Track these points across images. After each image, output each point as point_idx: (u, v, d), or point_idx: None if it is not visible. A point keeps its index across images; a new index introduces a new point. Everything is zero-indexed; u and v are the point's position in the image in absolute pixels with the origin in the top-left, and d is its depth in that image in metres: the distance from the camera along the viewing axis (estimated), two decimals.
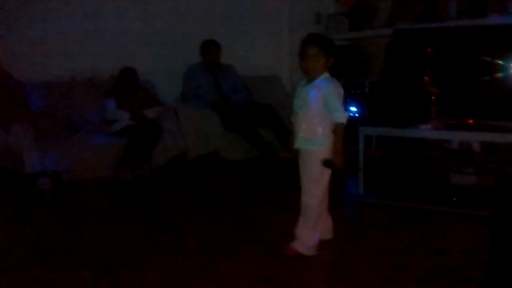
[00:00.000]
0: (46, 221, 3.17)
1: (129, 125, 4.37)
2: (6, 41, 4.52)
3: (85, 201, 3.66)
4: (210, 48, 5.01)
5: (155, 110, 4.55)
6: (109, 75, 4.67)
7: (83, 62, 4.81)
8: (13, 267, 2.43)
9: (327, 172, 2.47)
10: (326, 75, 2.45)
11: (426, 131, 3.31)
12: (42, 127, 4.11)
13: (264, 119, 4.84)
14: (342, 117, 2.40)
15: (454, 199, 3.16)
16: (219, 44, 5.03)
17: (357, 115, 4.82)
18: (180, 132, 4.57)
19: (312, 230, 2.49)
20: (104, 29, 4.90)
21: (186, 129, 4.60)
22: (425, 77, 3.54)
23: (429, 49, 3.60)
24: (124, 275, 2.34)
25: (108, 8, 4.94)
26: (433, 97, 3.50)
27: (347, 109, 2.47)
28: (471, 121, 3.25)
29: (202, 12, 5.32)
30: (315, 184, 2.47)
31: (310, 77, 2.45)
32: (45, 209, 3.47)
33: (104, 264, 2.46)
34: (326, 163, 2.41)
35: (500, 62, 3.40)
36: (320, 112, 2.42)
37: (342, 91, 2.45)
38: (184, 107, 4.78)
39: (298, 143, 2.48)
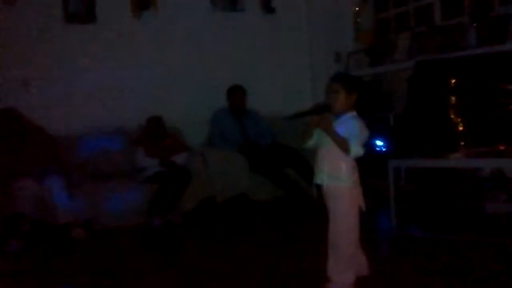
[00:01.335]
0: (81, 271, 3.19)
1: (158, 172, 4.43)
2: (36, 96, 4.71)
3: (118, 249, 3.68)
4: (236, 92, 5.10)
5: (183, 156, 4.61)
6: (137, 124, 4.78)
7: (111, 112, 4.95)
8: None
9: (355, 207, 2.44)
10: (352, 112, 2.46)
11: (457, 160, 3.26)
12: (74, 178, 4.20)
13: (290, 163, 4.84)
14: (355, 151, 2.35)
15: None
16: (245, 89, 5.12)
17: (384, 149, 4.78)
18: (208, 176, 4.61)
19: (345, 269, 2.44)
20: (129, 79, 5.06)
21: (213, 173, 4.63)
22: (450, 107, 3.52)
23: (452, 79, 3.59)
24: None
25: (133, 59, 5.11)
26: (459, 126, 3.47)
27: (365, 147, 2.42)
28: (501, 147, 3.20)
29: (226, 56, 5.45)
30: (342, 221, 2.43)
31: (334, 112, 2.46)
32: (80, 259, 3.50)
33: None
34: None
35: None
36: None
37: (366, 132, 2.41)
38: (210, 151, 4.83)
39: (322, 180, 2.46)
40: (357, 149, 2.37)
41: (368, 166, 2.83)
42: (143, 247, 3.74)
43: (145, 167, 4.50)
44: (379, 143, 4.94)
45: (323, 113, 2.45)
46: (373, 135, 4.76)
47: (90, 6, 4.99)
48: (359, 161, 2.44)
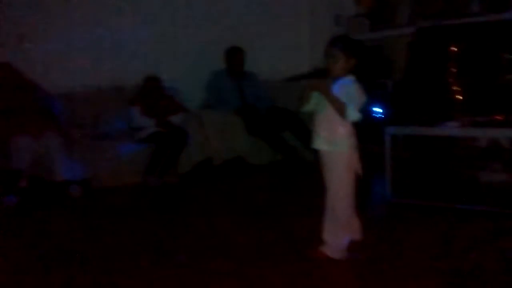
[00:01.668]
0: (76, 229, 3.23)
1: (155, 132, 4.43)
2: (33, 53, 4.64)
3: (113, 207, 3.72)
4: (235, 54, 5.05)
5: (180, 116, 4.60)
6: (134, 83, 4.74)
7: (109, 71, 4.90)
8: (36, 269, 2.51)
9: (351, 172, 2.46)
10: (350, 77, 2.44)
11: (453, 129, 3.27)
12: (71, 136, 4.20)
13: (287, 125, 4.85)
14: (352, 115, 2.36)
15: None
16: (243, 50, 5.06)
17: (382, 116, 4.78)
18: (205, 138, 4.62)
19: (340, 233, 2.48)
20: (128, 37, 4.99)
21: (210, 135, 4.64)
22: (449, 75, 3.51)
23: (452, 46, 3.56)
24: (150, 277, 2.39)
25: (132, 17, 5.03)
26: (458, 95, 3.46)
27: (362, 113, 2.42)
28: (499, 117, 3.20)
29: (225, 17, 5.37)
30: (339, 185, 2.45)
31: (332, 76, 2.44)
32: (74, 216, 3.54)
33: (132, 267, 2.50)
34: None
35: None
36: None
37: (364, 97, 2.40)
38: (208, 113, 4.83)
39: (319, 144, 2.47)
40: (354, 114, 2.37)
41: (366, 131, 2.83)
42: (137, 206, 3.78)
43: (141, 127, 4.50)
44: (377, 109, 4.93)
45: (321, 77, 2.43)
46: (372, 101, 4.75)
47: None
48: (356, 126, 2.45)
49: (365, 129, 2.71)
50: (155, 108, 4.53)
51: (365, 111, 2.46)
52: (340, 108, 2.35)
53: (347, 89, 2.40)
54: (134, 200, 3.93)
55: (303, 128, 4.63)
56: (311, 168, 2.74)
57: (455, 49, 3.51)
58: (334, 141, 2.43)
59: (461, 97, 3.40)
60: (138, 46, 5.02)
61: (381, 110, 4.89)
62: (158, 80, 4.62)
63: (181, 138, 4.42)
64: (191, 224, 3.20)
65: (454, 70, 3.47)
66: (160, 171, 4.28)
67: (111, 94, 4.80)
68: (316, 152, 2.51)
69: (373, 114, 4.87)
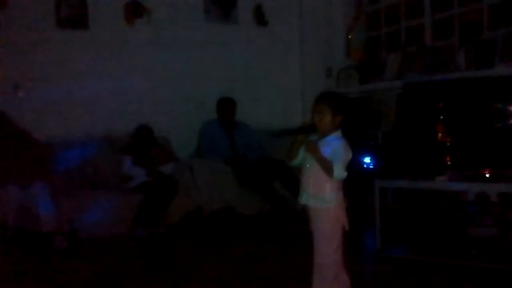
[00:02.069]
0: (61, 281, 3.16)
1: (145, 182, 4.42)
2: (27, 102, 4.67)
3: (100, 259, 3.65)
4: (226, 105, 5.12)
5: (171, 166, 4.60)
6: (125, 132, 4.76)
7: (100, 120, 4.93)
8: None
9: (339, 227, 2.44)
10: (337, 133, 2.46)
11: (442, 183, 3.28)
12: (59, 185, 4.16)
13: (277, 175, 4.86)
14: (338, 173, 2.34)
15: (474, 252, 3.10)
16: (235, 101, 5.14)
17: (371, 167, 4.81)
18: (195, 187, 4.60)
19: None
20: (120, 87, 5.04)
21: (200, 184, 4.63)
22: (437, 128, 3.56)
23: (439, 101, 3.63)
24: None
25: (124, 67, 5.10)
26: (446, 148, 3.49)
27: (350, 165, 2.42)
28: (487, 172, 3.23)
29: (217, 68, 5.46)
30: (326, 242, 2.42)
31: (319, 132, 2.47)
32: (61, 268, 3.46)
33: None
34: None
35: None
36: None
37: (350, 154, 2.42)
38: (198, 163, 4.83)
39: (306, 199, 2.47)
40: (340, 172, 2.37)
41: (355, 183, 2.84)
42: (125, 258, 3.70)
43: (132, 176, 4.49)
44: (366, 160, 4.96)
45: (309, 132, 2.46)
46: (361, 152, 4.78)
47: (83, 11, 4.98)
48: (345, 178, 2.45)
49: (354, 181, 2.72)
50: (146, 158, 4.53)
51: (353, 163, 2.47)
52: (327, 168, 2.36)
53: (334, 146, 2.41)
54: (121, 252, 3.85)
55: (293, 179, 4.62)
56: (301, 219, 2.72)
57: (442, 104, 3.58)
58: (321, 197, 2.42)
59: (449, 151, 3.43)
60: (130, 95, 5.06)
61: (370, 161, 4.92)
62: (150, 130, 4.65)
63: (171, 188, 4.40)
64: (179, 278, 3.14)
65: (442, 123, 3.53)
66: (148, 222, 4.24)
67: (101, 143, 4.80)
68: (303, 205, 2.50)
69: (363, 165, 4.89)
